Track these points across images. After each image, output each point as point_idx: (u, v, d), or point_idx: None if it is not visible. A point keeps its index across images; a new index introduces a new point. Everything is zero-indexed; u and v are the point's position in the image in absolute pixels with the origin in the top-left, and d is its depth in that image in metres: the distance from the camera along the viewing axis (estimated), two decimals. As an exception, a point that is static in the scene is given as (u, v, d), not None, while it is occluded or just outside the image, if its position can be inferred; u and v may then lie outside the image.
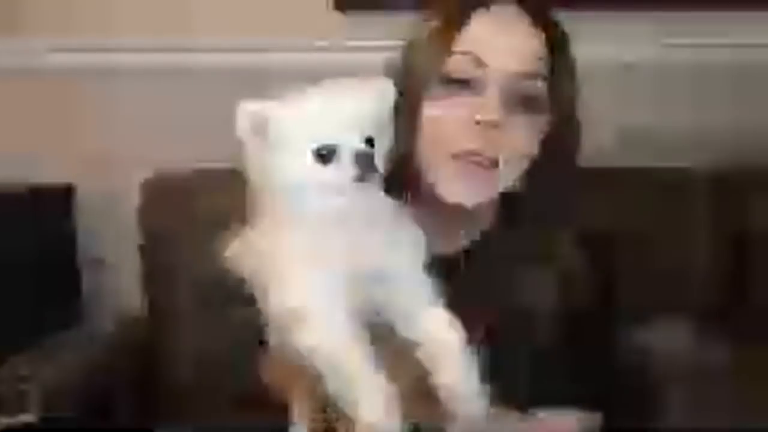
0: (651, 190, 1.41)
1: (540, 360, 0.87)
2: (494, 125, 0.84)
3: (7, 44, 1.63)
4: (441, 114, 0.87)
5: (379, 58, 1.68)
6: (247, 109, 0.74)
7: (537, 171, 0.90)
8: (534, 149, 0.89)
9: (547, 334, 0.89)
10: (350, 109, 0.74)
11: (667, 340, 1.23)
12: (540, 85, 0.87)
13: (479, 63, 0.86)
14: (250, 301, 0.83)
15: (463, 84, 0.86)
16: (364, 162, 0.72)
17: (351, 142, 0.73)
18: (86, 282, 1.61)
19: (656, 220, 1.37)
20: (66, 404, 1.23)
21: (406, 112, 0.85)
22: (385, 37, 1.56)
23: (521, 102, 0.86)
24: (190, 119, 1.63)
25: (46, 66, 1.63)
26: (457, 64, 0.87)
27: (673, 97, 1.58)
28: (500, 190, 0.89)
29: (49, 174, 1.57)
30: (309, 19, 1.59)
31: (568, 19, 0.94)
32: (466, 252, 0.94)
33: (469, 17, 0.87)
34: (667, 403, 1.13)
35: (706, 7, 1.53)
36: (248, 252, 0.77)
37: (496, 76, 0.85)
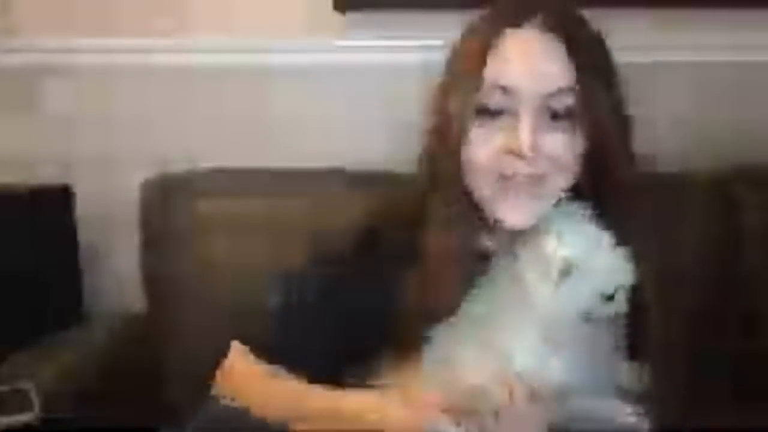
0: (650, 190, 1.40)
1: None
2: (528, 152, 0.88)
3: (7, 44, 1.63)
4: (477, 146, 0.91)
5: (378, 58, 1.68)
6: None
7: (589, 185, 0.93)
8: (575, 153, 0.91)
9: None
10: None
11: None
12: (571, 98, 0.89)
13: (509, 92, 0.88)
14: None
15: (497, 113, 0.90)
16: None
17: None
18: (87, 280, 1.61)
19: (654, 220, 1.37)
20: (66, 404, 1.23)
21: (448, 139, 0.91)
22: (385, 37, 1.58)
23: (554, 116, 0.89)
24: (190, 119, 1.63)
25: (46, 66, 1.63)
26: (488, 95, 0.89)
27: (673, 97, 1.58)
28: (550, 201, 0.91)
29: (48, 174, 1.57)
30: (309, 19, 1.59)
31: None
32: None
33: (497, 38, 0.90)
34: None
35: (705, 6, 1.53)
36: None
37: (527, 101, 0.88)
